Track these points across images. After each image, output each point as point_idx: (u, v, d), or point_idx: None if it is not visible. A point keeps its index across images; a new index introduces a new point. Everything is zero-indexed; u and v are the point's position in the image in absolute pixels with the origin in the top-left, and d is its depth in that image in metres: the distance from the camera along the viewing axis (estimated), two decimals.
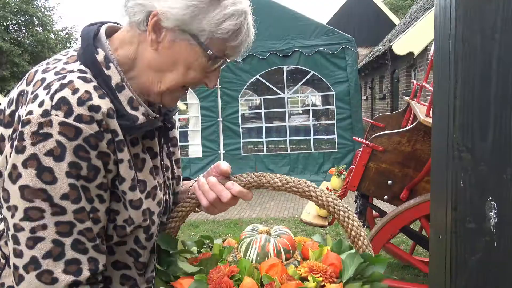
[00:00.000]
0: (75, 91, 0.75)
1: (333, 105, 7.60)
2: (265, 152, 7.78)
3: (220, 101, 7.70)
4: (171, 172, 1.01)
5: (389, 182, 2.35)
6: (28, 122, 0.72)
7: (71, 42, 28.79)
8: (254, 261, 0.89)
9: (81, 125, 0.73)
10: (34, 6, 25.72)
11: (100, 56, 0.82)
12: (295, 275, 0.83)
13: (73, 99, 0.74)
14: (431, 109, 2.38)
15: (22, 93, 0.79)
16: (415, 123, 2.31)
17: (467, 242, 1.03)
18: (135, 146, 0.86)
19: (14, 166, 0.73)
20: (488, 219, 1.03)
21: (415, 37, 8.65)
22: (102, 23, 0.89)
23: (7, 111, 0.80)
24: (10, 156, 0.74)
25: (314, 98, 10.96)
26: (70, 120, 0.73)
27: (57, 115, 0.72)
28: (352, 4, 21.85)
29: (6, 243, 0.82)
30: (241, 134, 7.74)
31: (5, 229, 0.78)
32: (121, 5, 0.87)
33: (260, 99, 8.03)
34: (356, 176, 2.37)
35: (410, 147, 2.28)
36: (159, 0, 0.81)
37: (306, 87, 8.99)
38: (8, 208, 0.74)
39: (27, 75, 0.82)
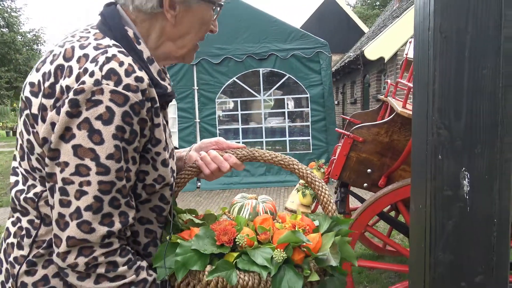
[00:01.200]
0: (121, 63, 0.84)
1: (308, 107, 7.83)
2: None
3: (197, 103, 7.80)
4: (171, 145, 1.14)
5: (369, 170, 2.53)
6: (82, 90, 0.81)
7: (39, 44, 28.14)
8: (247, 219, 1.07)
9: (129, 93, 0.83)
10: (0, 7, 25.05)
11: (130, 33, 0.93)
12: (281, 228, 1.01)
13: (121, 71, 0.84)
14: (410, 99, 2.58)
15: (60, 67, 0.86)
16: (392, 115, 2.50)
17: (444, 208, 1.20)
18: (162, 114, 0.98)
19: (68, 128, 0.81)
20: (462, 187, 1.20)
21: (386, 43, 9.02)
22: (114, 3, 0.99)
23: (46, 84, 0.87)
24: (58, 122, 0.82)
25: (290, 101, 11.18)
26: (119, 89, 0.82)
27: (108, 84, 0.82)
28: (323, 11, 22.36)
29: (46, 203, 0.90)
30: (218, 135, 7.84)
31: (49, 186, 0.86)
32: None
33: (236, 101, 8.17)
34: (338, 165, 2.53)
35: (387, 138, 2.47)
36: None
37: (281, 90, 9.18)
38: (58, 164, 0.83)
39: (62, 51, 0.89)
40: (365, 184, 2.57)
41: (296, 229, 0.97)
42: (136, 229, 0.97)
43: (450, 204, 1.22)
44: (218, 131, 7.85)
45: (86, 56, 0.85)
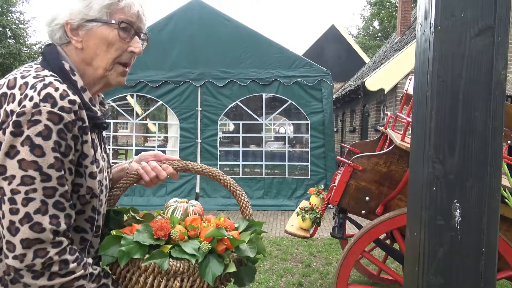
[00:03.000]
0: (56, 89, 0.99)
1: (308, 133, 7.97)
2: (240, 175, 8.01)
3: (199, 123, 7.94)
4: (107, 162, 1.27)
5: (367, 198, 2.64)
6: (23, 113, 0.95)
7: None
8: (180, 219, 1.27)
9: (63, 114, 0.98)
10: (8, 18, 25.44)
11: (66, 66, 1.08)
12: (207, 226, 1.21)
13: (56, 95, 0.98)
14: (408, 132, 2.72)
15: (4, 95, 1.00)
16: (391, 147, 2.63)
17: (436, 236, 1.31)
18: (92, 134, 1.11)
19: (13, 146, 0.95)
20: (454, 218, 1.31)
21: (386, 75, 9.24)
22: (52, 44, 1.14)
23: None
24: (3, 142, 0.95)
25: (290, 126, 11.37)
26: (55, 110, 0.97)
27: (45, 106, 0.96)
28: (326, 40, 22.80)
29: None
30: (218, 156, 7.96)
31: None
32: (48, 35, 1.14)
33: (238, 124, 8.31)
34: (338, 192, 2.65)
35: (386, 168, 2.59)
36: (63, 11, 1.09)
37: (283, 115, 9.35)
38: (5, 179, 0.96)
39: (6, 81, 1.03)
40: (363, 211, 2.68)
41: (220, 226, 1.18)
42: (72, 237, 1.08)
43: (442, 232, 1.32)
44: (218, 152, 7.97)
45: (26, 84, 1.00)
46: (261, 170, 8.12)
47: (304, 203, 3.42)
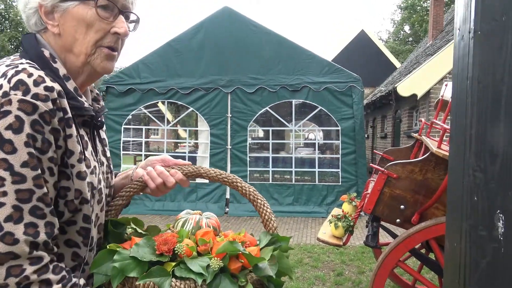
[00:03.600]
0: (30, 75, 0.86)
1: (339, 140, 7.90)
2: (270, 182, 8.01)
3: (229, 130, 8.00)
4: (107, 167, 1.13)
5: (402, 206, 2.59)
6: None
7: None
8: (190, 233, 1.10)
9: (38, 102, 0.83)
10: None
11: (46, 53, 0.95)
12: (221, 240, 1.04)
13: (29, 81, 0.84)
14: (444, 139, 2.65)
15: None
16: (427, 154, 2.57)
17: (478, 247, 1.27)
18: (81, 128, 0.99)
19: None
20: (497, 228, 1.26)
21: (419, 80, 9.07)
22: (31, 34, 1.02)
23: None
24: None
25: (320, 132, 11.31)
26: (28, 98, 0.83)
27: (15, 94, 0.82)
28: (355, 45, 22.59)
29: None
30: (248, 162, 7.99)
31: None
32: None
33: (268, 130, 8.32)
34: (372, 200, 2.61)
35: (421, 176, 2.53)
36: None
37: (313, 121, 9.31)
38: None
39: None
40: (398, 220, 2.62)
41: (236, 241, 1.00)
42: (62, 252, 0.94)
43: (484, 243, 1.28)
44: (248, 159, 7.99)
45: None
46: (291, 177, 8.09)
47: (336, 211, 3.38)
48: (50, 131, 0.86)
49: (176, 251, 0.96)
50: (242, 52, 7.96)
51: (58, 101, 0.87)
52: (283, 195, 7.91)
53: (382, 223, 3.12)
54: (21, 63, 0.89)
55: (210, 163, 8.01)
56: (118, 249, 0.96)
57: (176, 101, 8.26)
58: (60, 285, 0.85)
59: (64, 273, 0.87)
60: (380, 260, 2.50)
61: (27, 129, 0.82)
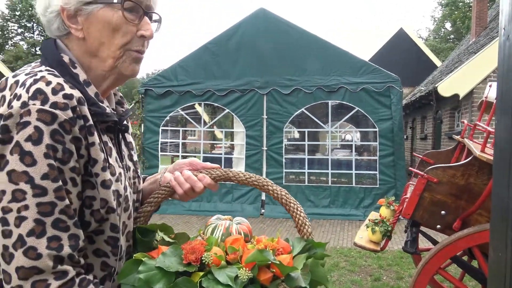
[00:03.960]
0: (48, 83, 0.83)
1: (376, 141, 7.74)
2: (306, 183, 7.96)
3: (265, 131, 8.00)
4: (134, 171, 1.10)
5: (443, 212, 2.50)
6: (10, 115, 0.80)
7: None
8: (219, 240, 1.04)
9: (57, 111, 0.81)
10: None
11: (66, 59, 0.93)
12: (252, 248, 0.97)
13: (47, 90, 0.82)
14: (488, 142, 2.54)
15: None
16: (469, 158, 2.47)
17: None
18: (104, 135, 0.96)
19: (2, 156, 0.80)
20: None
21: (461, 79, 8.76)
22: (51, 38, 0.99)
23: None
24: None
25: (358, 134, 11.14)
26: (46, 107, 0.80)
27: (34, 104, 0.80)
28: (394, 44, 22.09)
29: None
30: (284, 164, 7.97)
31: None
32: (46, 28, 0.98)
33: (303, 131, 8.27)
34: (411, 204, 2.53)
35: (464, 181, 2.43)
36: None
37: (350, 122, 9.18)
38: None
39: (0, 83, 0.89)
40: (439, 226, 2.54)
41: (267, 249, 0.95)
42: (91, 262, 0.93)
43: None
44: (284, 160, 7.97)
45: (17, 82, 0.86)
46: (327, 178, 8.01)
47: (373, 215, 3.31)
48: (71, 140, 0.84)
49: (204, 261, 0.92)
50: (278, 53, 7.95)
51: (78, 108, 0.85)
52: (319, 197, 7.84)
53: (422, 228, 3.03)
54: (40, 71, 0.87)
55: (245, 164, 8.05)
56: (144, 258, 0.93)
57: (213, 103, 8.35)
58: None
59: (91, 286, 0.85)
60: (420, 267, 2.42)
61: (46, 139, 0.80)
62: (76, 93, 0.86)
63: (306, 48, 7.89)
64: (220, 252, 0.95)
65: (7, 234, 0.79)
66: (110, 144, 0.97)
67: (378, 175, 7.69)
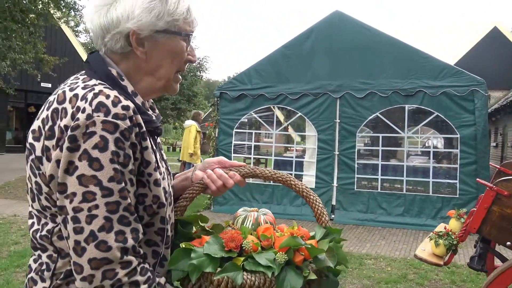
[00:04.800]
0: (107, 96, 0.94)
1: (457, 148, 7.27)
2: (379, 190, 7.69)
3: (337, 135, 7.87)
4: (166, 169, 1.19)
5: None
6: (77, 126, 0.91)
7: (201, 71, 31.43)
8: (251, 229, 1.20)
9: (118, 121, 0.92)
10: None
11: (114, 72, 1.03)
12: (281, 236, 1.13)
13: (108, 102, 0.93)
14: None
15: (55, 111, 0.96)
16: None
17: None
18: (149, 139, 1.06)
19: (71, 162, 0.91)
20: None
21: None
22: (96, 51, 1.10)
23: (46, 127, 0.96)
24: (61, 159, 0.91)
25: (436, 140, 10.52)
26: (109, 118, 0.92)
27: (98, 116, 0.91)
28: (485, 45, 20.54)
29: (58, 237, 0.99)
30: (356, 169, 7.77)
31: (61, 219, 0.94)
32: (98, 43, 1.08)
33: (378, 136, 8.01)
34: (477, 218, 2.36)
35: None
36: (128, 21, 1.01)
37: (428, 128, 8.72)
38: (66, 197, 0.91)
39: (55, 97, 0.99)
40: (509, 243, 2.34)
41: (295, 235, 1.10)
42: (144, 251, 1.04)
43: None
44: (356, 165, 7.77)
45: (76, 96, 0.96)
46: (401, 186, 7.67)
47: (440, 227, 3.13)
48: (129, 146, 0.95)
49: (244, 247, 1.07)
50: (352, 56, 7.79)
51: (134, 117, 0.96)
52: (392, 205, 7.53)
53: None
54: (95, 85, 0.98)
55: (316, 168, 7.98)
56: (192, 247, 1.07)
57: (285, 106, 8.39)
58: (146, 285, 0.94)
59: (149, 274, 0.96)
60: (484, 286, 2.25)
61: (111, 147, 0.91)
62: (131, 104, 0.97)
63: (382, 51, 7.63)
64: (255, 240, 1.11)
65: (78, 231, 0.90)
66: (154, 147, 1.08)
67: (458, 185, 7.21)
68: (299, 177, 8.39)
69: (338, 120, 7.87)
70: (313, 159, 8.11)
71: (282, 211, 7.97)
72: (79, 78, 1.04)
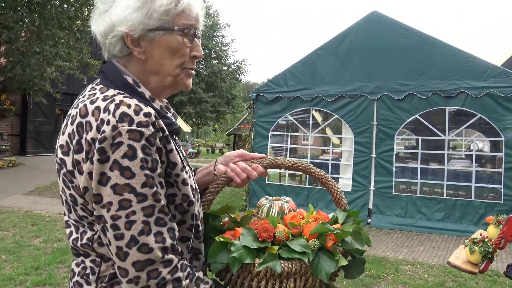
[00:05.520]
0: (128, 106, 0.96)
1: (502, 152, 6.97)
2: (418, 194, 7.48)
3: (375, 138, 7.73)
4: (188, 166, 1.22)
5: None
6: (104, 138, 0.93)
7: (240, 74, 31.70)
8: (277, 217, 1.25)
9: (143, 129, 0.95)
10: (213, 42, 29.22)
11: (129, 80, 1.05)
12: (307, 223, 1.18)
13: (130, 112, 0.95)
14: None
15: (80, 125, 0.99)
16: None
17: None
18: (172, 141, 1.08)
19: (103, 173, 0.94)
20: None
21: None
22: (105, 62, 1.12)
23: (73, 142, 0.99)
24: (93, 171, 0.95)
25: (480, 143, 10.11)
26: (134, 127, 0.94)
27: (123, 126, 0.93)
28: None
29: (99, 244, 1.03)
30: (394, 172, 7.60)
31: (100, 228, 0.98)
32: (103, 51, 1.10)
33: (417, 139, 7.80)
34: None
35: None
36: (120, 23, 1.03)
37: (470, 131, 8.41)
38: (103, 206, 0.95)
39: (77, 110, 1.01)
40: None
41: (321, 221, 1.15)
42: (180, 248, 1.06)
43: None
44: (394, 168, 7.60)
45: (98, 108, 0.98)
46: (442, 190, 7.43)
47: (476, 233, 3.01)
48: (155, 151, 0.98)
49: (276, 236, 1.11)
50: (390, 57, 7.63)
51: (156, 123, 0.99)
52: (432, 210, 7.31)
53: None
54: (114, 95, 1.01)
55: (353, 171, 7.87)
56: (229, 241, 1.12)
57: (322, 109, 8.33)
58: (187, 280, 0.99)
59: (189, 269, 1.01)
60: None
61: (140, 154, 0.94)
62: (151, 110, 0.99)
63: (422, 51, 7.44)
64: (286, 228, 1.15)
65: (119, 237, 0.94)
66: (177, 147, 1.10)
67: (503, 190, 6.90)
68: (335, 180, 8.25)
69: (375, 123, 7.73)
70: (349, 162, 8.01)
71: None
72: (96, 89, 1.06)
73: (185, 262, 1.02)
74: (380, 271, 5.01)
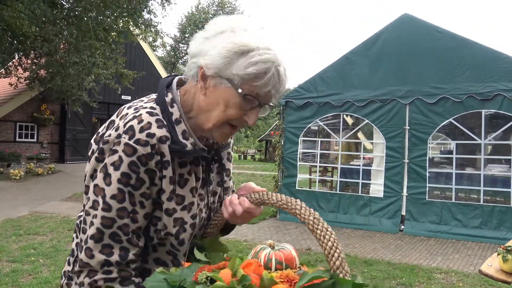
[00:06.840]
0: (140, 121, 1.01)
1: None
2: (453, 200, 7.25)
3: (407, 143, 7.57)
4: (218, 197, 1.23)
5: None
6: (107, 141, 1.01)
7: None
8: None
9: (138, 146, 0.99)
10: None
11: (168, 98, 1.09)
12: (266, 276, 0.90)
13: (137, 127, 1.00)
14: None
15: (111, 122, 1.08)
16: None
17: None
18: (182, 168, 1.09)
19: (95, 170, 1.02)
20: None
21: None
22: (175, 76, 1.17)
23: (101, 133, 1.09)
24: (90, 164, 1.04)
25: None
26: (131, 142, 0.99)
27: (124, 138, 0.99)
28: None
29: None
30: (427, 178, 7.41)
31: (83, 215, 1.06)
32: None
33: (452, 143, 7.58)
34: None
35: None
36: (204, 56, 1.05)
37: (508, 134, 8.08)
38: (87, 198, 1.03)
39: (119, 110, 1.11)
40: None
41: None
42: (150, 267, 1.09)
43: None
44: (428, 174, 7.40)
45: (126, 114, 1.06)
46: (478, 196, 7.18)
47: (511, 242, 2.90)
48: (145, 171, 1.01)
49: (199, 279, 0.92)
50: (422, 60, 7.47)
51: (157, 146, 1.01)
52: (468, 217, 7.07)
53: None
54: (144, 108, 1.06)
55: (385, 177, 7.73)
56: (158, 271, 0.97)
57: (352, 114, 8.24)
58: None
59: (132, 286, 1.01)
60: None
61: (123, 168, 0.99)
62: (160, 133, 1.02)
63: (456, 53, 7.24)
64: (228, 274, 0.93)
65: (83, 231, 1.03)
66: (187, 176, 1.09)
67: None
68: (367, 185, 8.18)
69: (407, 127, 7.57)
70: (381, 167, 7.87)
71: (349, 221, 7.82)
72: (143, 100, 1.13)
73: (137, 280, 1.03)
74: (412, 279, 4.89)
